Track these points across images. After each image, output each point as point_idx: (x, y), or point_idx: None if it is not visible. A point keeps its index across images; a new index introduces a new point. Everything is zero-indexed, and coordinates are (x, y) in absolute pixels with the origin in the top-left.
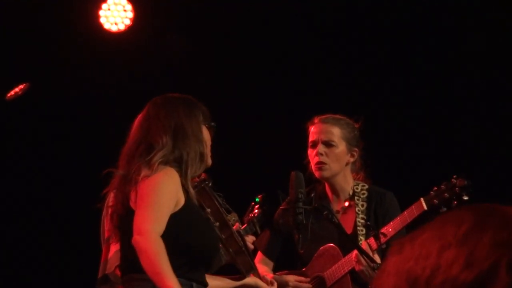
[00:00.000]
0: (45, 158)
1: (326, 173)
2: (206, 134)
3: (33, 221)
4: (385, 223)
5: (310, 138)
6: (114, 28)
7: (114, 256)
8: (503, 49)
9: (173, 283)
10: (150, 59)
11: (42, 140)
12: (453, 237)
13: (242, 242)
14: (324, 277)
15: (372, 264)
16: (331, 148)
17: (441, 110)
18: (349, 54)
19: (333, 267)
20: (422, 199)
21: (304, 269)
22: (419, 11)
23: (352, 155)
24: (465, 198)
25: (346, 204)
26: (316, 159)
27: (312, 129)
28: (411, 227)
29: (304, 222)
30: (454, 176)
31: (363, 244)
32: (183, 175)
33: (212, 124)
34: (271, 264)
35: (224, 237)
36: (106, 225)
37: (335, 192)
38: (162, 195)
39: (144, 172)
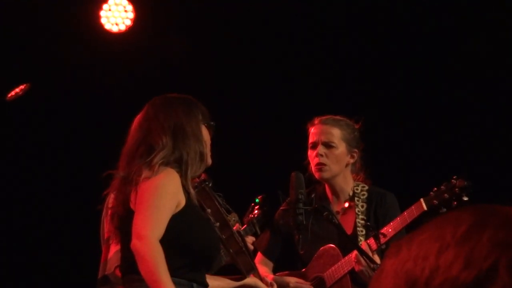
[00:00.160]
0: (45, 158)
1: (326, 174)
2: (205, 134)
3: (33, 221)
4: (385, 223)
5: (310, 139)
6: (115, 29)
7: (114, 257)
8: (503, 49)
9: None
10: (151, 60)
11: (43, 140)
12: (452, 237)
13: (242, 243)
14: (324, 278)
15: (372, 265)
16: (331, 149)
17: (441, 111)
18: (349, 55)
19: (333, 268)
20: (422, 200)
21: (304, 269)
22: (419, 11)
23: (352, 156)
24: (465, 198)
25: (346, 205)
26: (316, 160)
27: (312, 130)
28: (411, 228)
29: (305, 222)
30: (454, 177)
31: (363, 244)
32: (183, 176)
33: (212, 123)
34: (271, 264)
35: (224, 237)
36: (106, 225)
37: (335, 193)
38: (162, 198)
39: (145, 173)
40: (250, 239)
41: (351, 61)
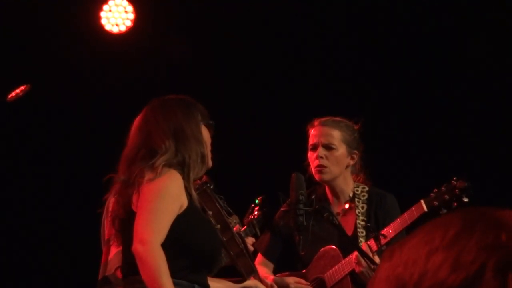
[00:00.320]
0: (45, 159)
1: (326, 176)
2: (205, 134)
3: (33, 222)
4: (385, 225)
5: (310, 141)
6: (115, 30)
7: (114, 258)
8: (504, 50)
9: None
10: (151, 60)
11: (43, 141)
12: (441, 241)
13: (242, 245)
14: (324, 279)
15: (372, 266)
16: (331, 151)
17: (442, 111)
18: (349, 56)
19: (333, 269)
20: (422, 201)
21: (304, 270)
22: (419, 11)
23: (352, 158)
24: (465, 200)
25: (347, 206)
26: (316, 162)
27: (312, 131)
28: (411, 229)
29: (305, 223)
30: (454, 178)
31: (363, 245)
32: (185, 178)
33: (211, 122)
34: (272, 266)
35: (225, 239)
36: (107, 226)
37: (335, 194)
38: (165, 200)
39: (148, 175)
40: (250, 240)
41: (351, 62)
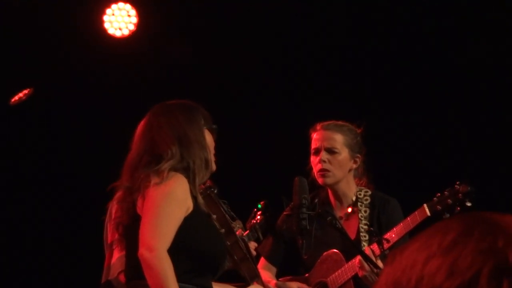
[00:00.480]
0: (48, 163)
1: (329, 180)
2: (209, 138)
3: (36, 226)
4: (388, 229)
5: (313, 145)
6: (118, 33)
7: (117, 262)
8: (506, 52)
9: None
10: (154, 64)
11: (45, 145)
12: (439, 246)
13: (246, 249)
14: (327, 283)
15: (375, 270)
16: (334, 155)
17: (445, 116)
18: (352, 60)
19: (336, 273)
20: (425, 205)
21: (307, 275)
22: (421, 11)
23: (355, 161)
24: (468, 204)
25: (349, 210)
26: (319, 166)
27: (314, 136)
28: (414, 233)
29: (308, 227)
30: (457, 182)
31: (366, 250)
32: (191, 183)
33: (214, 126)
34: (274, 270)
35: (229, 243)
36: (109, 231)
37: (338, 198)
38: (172, 205)
39: (154, 179)
40: (252, 245)
41: (353, 66)
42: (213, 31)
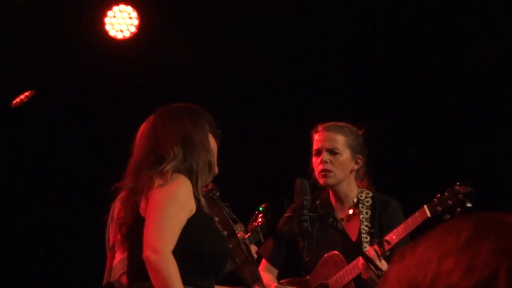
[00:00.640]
0: (49, 164)
1: (331, 181)
2: (212, 143)
3: (37, 228)
4: (389, 231)
5: (314, 146)
6: (119, 35)
7: (119, 264)
8: (506, 53)
9: None
10: (156, 66)
11: (47, 147)
12: (454, 244)
13: (247, 252)
14: (328, 285)
15: (377, 272)
16: (336, 156)
17: (445, 116)
18: (353, 61)
19: (337, 275)
20: (425, 207)
21: (308, 277)
22: (423, 11)
23: (357, 162)
24: (469, 205)
25: (350, 211)
26: (321, 167)
27: (316, 137)
28: (415, 235)
29: (309, 229)
30: (457, 183)
31: (370, 250)
32: (194, 184)
33: (218, 131)
34: (276, 271)
35: (231, 246)
36: (111, 232)
37: (339, 199)
38: (176, 207)
39: (158, 181)
40: (253, 248)
41: (354, 67)
42: (214, 33)
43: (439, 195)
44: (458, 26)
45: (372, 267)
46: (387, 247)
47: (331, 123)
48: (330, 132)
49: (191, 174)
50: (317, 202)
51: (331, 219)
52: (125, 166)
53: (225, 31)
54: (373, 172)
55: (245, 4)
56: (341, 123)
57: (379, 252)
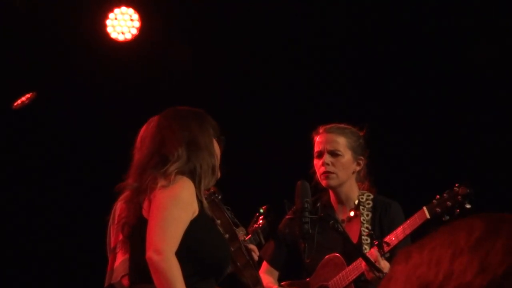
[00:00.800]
0: (51, 167)
1: (333, 182)
2: (216, 148)
3: (39, 229)
4: (390, 233)
5: (316, 148)
6: (121, 38)
7: (120, 266)
8: (506, 54)
9: None
10: (157, 68)
11: (48, 148)
12: (466, 243)
13: (248, 256)
14: (329, 287)
15: (377, 274)
16: (337, 157)
17: (444, 118)
18: (353, 63)
19: (338, 277)
20: (424, 208)
21: (308, 279)
22: (423, 12)
23: (358, 164)
24: (468, 206)
25: (351, 213)
26: (323, 169)
27: (317, 139)
28: (415, 236)
29: (310, 231)
30: (456, 185)
31: (372, 251)
32: (197, 186)
33: (222, 137)
34: (277, 273)
35: (232, 249)
36: (112, 234)
37: (341, 201)
38: (179, 208)
39: (161, 182)
40: (254, 249)
41: (355, 69)
42: (215, 35)
43: (438, 196)
44: (458, 26)
45: (372, 268)
46: (386, 248)
47: (332, 125)
48: (331, 134)
49: (194, 176)
50: (318, 204)
51: (332, 221)
52: (125, 167)
53: (225, 32)
54: (373, 174)
55: (245, 4)
56: (342, 125)
57: (379, 253)
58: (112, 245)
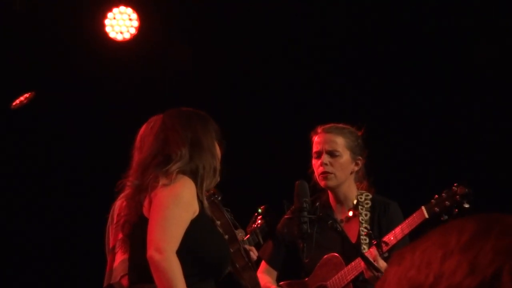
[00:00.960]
0: (50, 167)
1: (331, 182)
2: (217, 150)
3: (37, 229)
4: (388, 233)
5: (314, 149)
6: (119, 37)
7: (119, 266)
8: (506, 54)
9: None
10: (156, 68)
11: (46, 147)
12: (456, 244)
13: (247, 257)
14: (327, 286)
15: (376, 273)
16: (336, 157)
17: (443, 118)
18: (352, 64)
19: (336, 276)
20: (423, 208)
21: (307, 278)
22: (423, 12)
23: (357, 164)
24: (466, 206)
25: (350, 213)
26: (321, 169)
27: (315, 139)
28: (413, 235)
29: (309, 231)
30: (455, 184)
31: (371, 250)
32: (198, 187)
33: (223, 141)
34: (275, 273)
35: (232, 251)
36: (111, 234)
37: (339, 201)
38: (180, 208)
39: (162, 181)
40: (252, 249)
41: (354, 69)
42: (214, 34)
43: (436, 196)
44: (458, 27)
45: (371, 268)
46: (385, 248)
47: (331, 125)
48: (329, 134)
49: (195, 176)
50: (317, 204)
51: (331, 221)
52: (125, 167)
53: (225, 32)
54: (372, 174)
55: (245, 4)
56: (341, 125)
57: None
58: (111, 245)
